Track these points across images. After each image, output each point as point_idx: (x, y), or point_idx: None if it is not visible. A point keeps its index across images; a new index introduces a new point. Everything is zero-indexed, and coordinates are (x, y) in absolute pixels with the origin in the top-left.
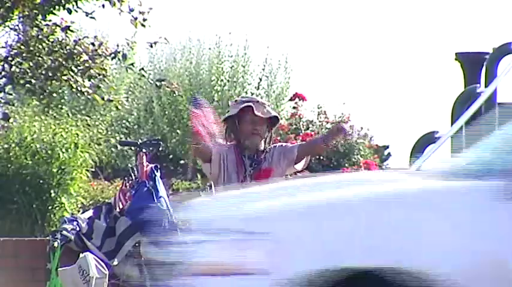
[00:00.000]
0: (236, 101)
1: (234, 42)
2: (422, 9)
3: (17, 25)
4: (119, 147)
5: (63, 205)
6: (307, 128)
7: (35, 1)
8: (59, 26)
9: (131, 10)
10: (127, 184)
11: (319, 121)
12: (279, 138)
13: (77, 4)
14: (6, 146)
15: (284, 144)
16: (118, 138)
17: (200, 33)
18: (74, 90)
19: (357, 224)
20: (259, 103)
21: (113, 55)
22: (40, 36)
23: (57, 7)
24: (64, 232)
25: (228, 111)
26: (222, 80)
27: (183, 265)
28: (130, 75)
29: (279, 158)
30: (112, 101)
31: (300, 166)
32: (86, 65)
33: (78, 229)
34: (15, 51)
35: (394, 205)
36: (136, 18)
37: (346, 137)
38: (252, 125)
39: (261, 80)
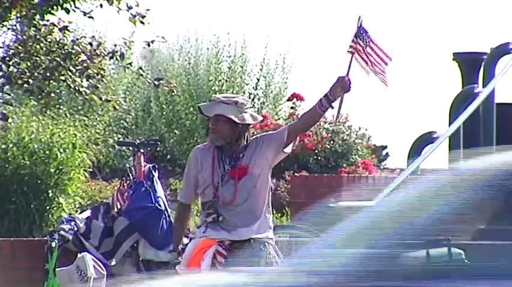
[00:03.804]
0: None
1: (232, 42)
2: (420, 9)
3: (15, 25)
4: (117, 147)
5: (61, 205)
6: None
7: (32, 1)
8: (57, 26)
9: (129, 8)
10: (125, 184)
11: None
12: None
13: (74, 4)
14: (4, 146)
15: (269, 132)
16: (116, 138)
17: (198, 33)
18: (71, 90)
19: None
20: (225, 103)
21: (110, 55)
22: (38, 36)
23: (55, 7)
24: (62, 232)
25: None
26: (220, 80)
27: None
28: (128, 75)
29: (259, 151)
30: (110, 101)
31: (288, 149)
32: (84, 65)
33: (76, 229)
34: (13, 51)
35: None
36: (135, 16)
37: (346, 88)
38: (211, 122)
39: (258, 80)
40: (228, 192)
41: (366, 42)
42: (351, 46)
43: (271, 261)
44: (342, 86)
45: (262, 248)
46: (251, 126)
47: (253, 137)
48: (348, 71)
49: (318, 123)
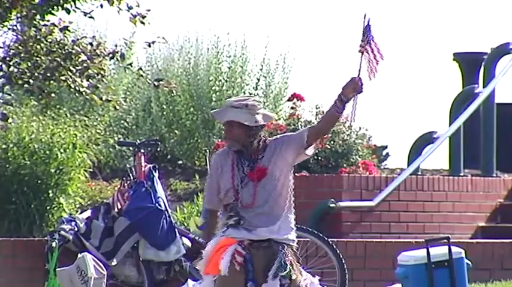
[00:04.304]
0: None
1: (232, 42)
2: (420, 9)
3: (15, 25)
4: (117, 147)
5: (61, 205)
6: None
7: (33, 1)
8: (57, 26)
9: (130, 8)
10: (125, 184)
11: (318, 122)
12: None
13: (75, 4)
14: (4, 146)
15: (288, 134)
16: (116, 138)
17: (198, 33)
18: (72, 90)
19: None
20: (236, 107)
21: (111, 55)
22: (38, 37)
23: (55, 7)
24: (62, 232)
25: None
26: (220, 81)
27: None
28: (128, 75)
29: (279, 152)
30: (110, 101)
31: (310, 151)
32: (84, 65)
33: (76, 229)
34: (14, 51)
35: None
36: (135, 16)
37: (358, 89)
38: (225, 129)
39: (259, 80)
40: (248, 194)
41: (370, 39)
42: (361, 45)
43: (286, 264)
44: (353, 87)
45: (281, 250)
46: (266, 125)
47: (273, 138)
48: (359, 71)
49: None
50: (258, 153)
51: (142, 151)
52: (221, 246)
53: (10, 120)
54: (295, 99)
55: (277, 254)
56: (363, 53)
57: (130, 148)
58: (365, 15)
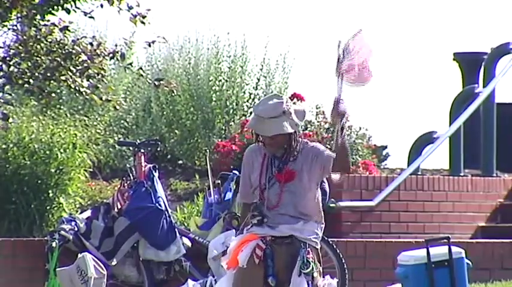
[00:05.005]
0: (255, 110)
1: (232, 42)
2: (420, 9)
3: (15, 25)
4: (117, 147)
5: (61, 205)
6: (306, 129)
7: (33, 1)
8: (57, 26)
9: (130, 8)
10: (125, 184)
11: (318, 121)
12: None
13: (75, 4)
14: (4, 146)
15: (325, 152)
16: (116, 138)
17: (198, 33)
18: (72, 90)
19: None
20: (275, 117)
21: (111, 55)
22: (38, 37)
23: (55, 7)
24: (62, 232)
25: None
26: (220, 80)
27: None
28: (128, 75)
29: (311, 161)
30: (110, 101)
31: (337, 177)
32: (85, 65)
33: (76, 229)
34: (14, 51)
35: None
36: (135, 16)
37: (341, 115)
38: (268, 139)
39: (259, 80)
40: (273, 195)
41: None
42: (337, 69)
43: (309, 261)
44: (336, 111)
45: (303, 247)
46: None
47: (311, 145)
48: (339, 96)
49: (319, 124)
50: (291, 155)
51: (142, 150)
52: (243, 241)
53: (10, 120)
54: (295, 99)
55: (299, 251)
56: (340, 76)
57: (130, 148)
58: (339, 43)
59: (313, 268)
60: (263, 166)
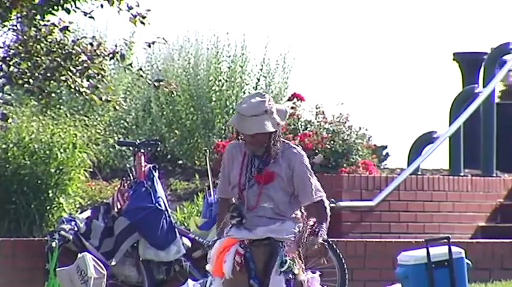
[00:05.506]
0: (237, 107)
1: (232, 42)
2: (420, 9)
3: (15, 25)
4: (117, 147)
5: (61, 205)
6: (306, 129)
7: (33, 1)
8: (57, 26)
9: (130, 8)
10: (125, 184)
11: (318, 121)
12: None
13: (75, 4)
14: (4, 146)
15: (304, 164)
16: (116, 138)
17: (198, 33)
18: (72, 90)
19: None
20: (256, 116)
21: (111, 55)
22: (38, 37)
23: (55, 7)
24: (62, 232)
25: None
26: (220, 80)
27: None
28: (128, 75)
29: (289, 169)
30: (110, 101)
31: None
32: (85, 65)
33: (76, 229)
34: (14, 51)
35: None
36: (135, 16)
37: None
38: (249, 138)
39: (259, 80)
40: (252, 196)
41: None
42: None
43: (286, 259)
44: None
45: (281, 246)
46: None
47: (294, 150)
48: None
49: (319, 124)
50: (272, 156)
51: (142, 150)
52: (224, 247)
53: (10, 120)
54: (295, 99)
55: (277, 251)
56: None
57: (130, 148)
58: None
59: (290, 265)
60: (243, 165)
